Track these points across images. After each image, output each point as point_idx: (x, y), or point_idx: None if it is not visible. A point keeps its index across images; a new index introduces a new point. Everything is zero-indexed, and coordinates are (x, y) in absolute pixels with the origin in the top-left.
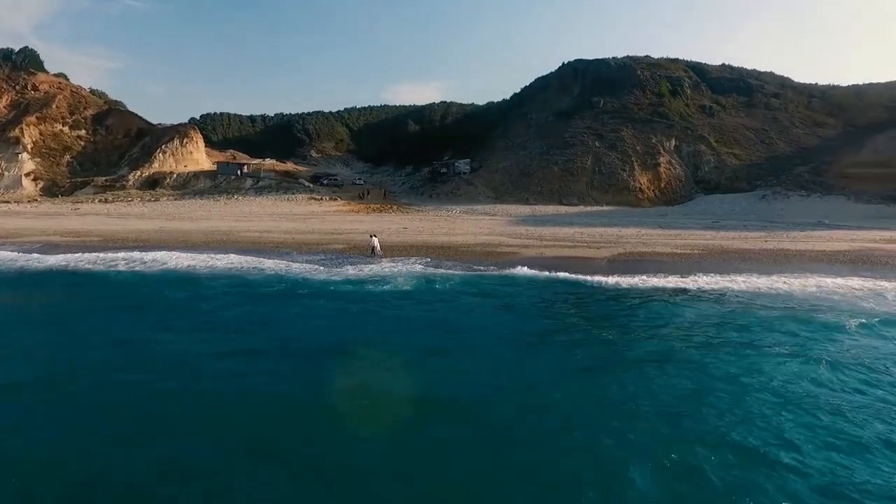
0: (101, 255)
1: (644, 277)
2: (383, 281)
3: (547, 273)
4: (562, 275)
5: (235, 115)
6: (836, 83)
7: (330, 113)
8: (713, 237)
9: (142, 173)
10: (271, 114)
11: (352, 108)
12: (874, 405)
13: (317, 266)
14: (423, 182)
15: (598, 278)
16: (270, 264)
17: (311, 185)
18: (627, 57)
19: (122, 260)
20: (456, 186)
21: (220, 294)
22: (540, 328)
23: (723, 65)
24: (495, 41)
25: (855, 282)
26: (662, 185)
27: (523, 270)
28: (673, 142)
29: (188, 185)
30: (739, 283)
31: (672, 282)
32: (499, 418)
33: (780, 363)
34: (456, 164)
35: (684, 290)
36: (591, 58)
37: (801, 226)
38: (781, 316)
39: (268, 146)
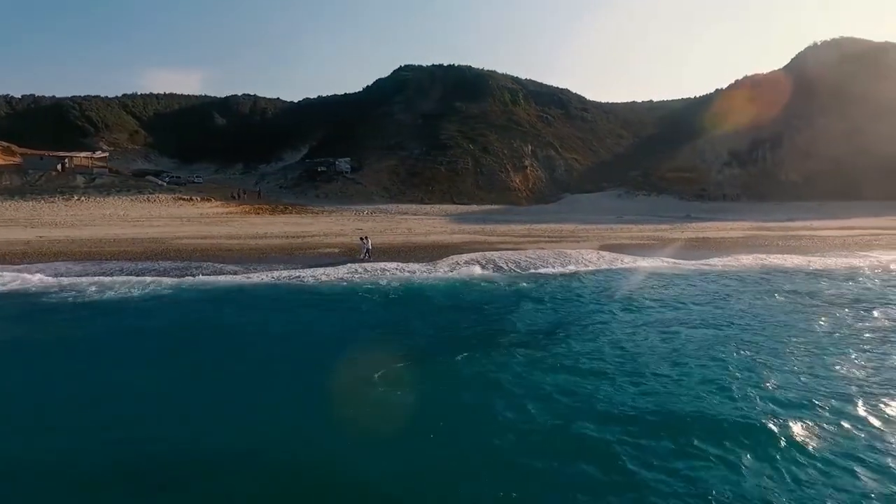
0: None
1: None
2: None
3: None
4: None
5: None
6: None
7: (110, 98)
8: (642, 230)
9: None
10: (18, 95)
11: (133, 94)
12: None
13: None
14: (298, 181)
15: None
16: (319, 273)
17: (166, 185)
18: (451, 66)
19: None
20: (343, 186)
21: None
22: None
23: (529, 80)
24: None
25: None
26: (531, 186)
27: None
28: (530, 147)
29: None
30: (770, 261)
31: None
32: None
33: None
34: (336, 162)
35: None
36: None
37: (678, 219)
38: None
39: (32, 134)
